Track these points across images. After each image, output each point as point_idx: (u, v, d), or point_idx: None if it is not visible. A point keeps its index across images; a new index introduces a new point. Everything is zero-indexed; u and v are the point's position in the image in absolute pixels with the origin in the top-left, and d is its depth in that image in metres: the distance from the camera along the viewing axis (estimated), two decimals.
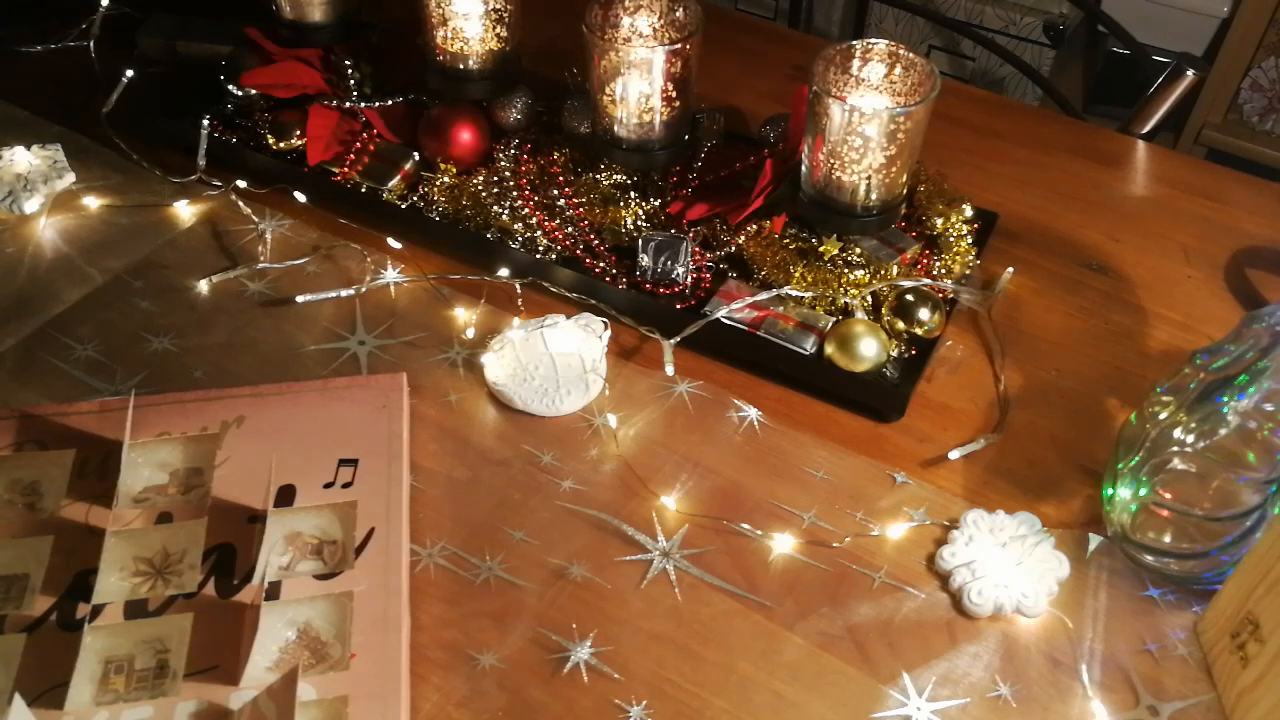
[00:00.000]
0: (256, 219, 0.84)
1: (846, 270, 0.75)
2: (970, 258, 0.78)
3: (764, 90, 1.00)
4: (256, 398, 0.68)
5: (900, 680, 0.58)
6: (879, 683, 0.58)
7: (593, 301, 0.77)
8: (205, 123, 0.87)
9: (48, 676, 0.55)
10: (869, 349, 0.70)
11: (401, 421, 0.67)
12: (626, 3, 0.78)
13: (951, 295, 0.76)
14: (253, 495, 0.63)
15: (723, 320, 0.74)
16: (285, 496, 0.63)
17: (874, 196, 0.73)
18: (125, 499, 0.63)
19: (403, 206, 0.84)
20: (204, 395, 0.68)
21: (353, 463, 0.65)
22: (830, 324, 0.73)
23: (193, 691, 0.55)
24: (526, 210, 0.81)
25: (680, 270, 0.77)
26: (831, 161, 0.72)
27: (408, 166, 0.85)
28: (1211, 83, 1.75)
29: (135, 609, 0.58)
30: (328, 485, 0.64)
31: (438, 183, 0.83)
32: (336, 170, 0.85)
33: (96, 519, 0.62)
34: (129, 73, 0.92)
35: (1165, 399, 0.62)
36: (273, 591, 0.59)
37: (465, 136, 0.84)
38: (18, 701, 0.50)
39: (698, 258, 0.78)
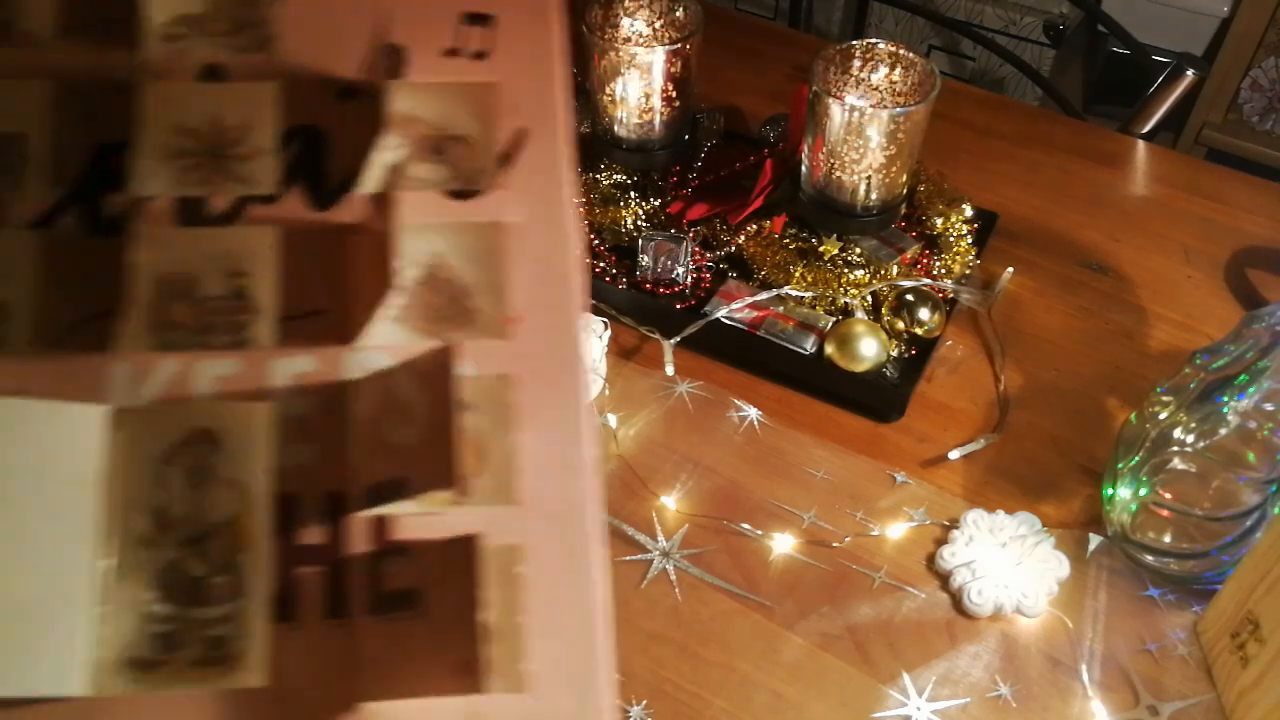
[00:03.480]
0: None
1: (846, 270, 0.75)
2: (970, 258, 0.78)
3: (764, 90, 1.00)
4: None
5: (900, 680, 0.58)
6: (879, 683, 0.58)
7: (593, 301, 0.77)
8: None
9: (74, 302, 0.39)
10: (869, 349, 0.70)
11: None
12: (626, 3, 0.78)
13: (951, 295, 0.76)
14: (341, 56, 0.43)
15: (723, 320, 0.74)
16: (388, 63, 0.43)
17: (874, 196, 0.73)
18: (153, 35, 0.42)
19: None
20: None
21: (485, 20, 0.44)
22: (830, 324, 0.73)
23: (292, 344, 0.39)
24: None
25: (680, 270, 0.77)
26: (831, 161, 0.72)
27: None
28: (1211, 83, 1.75)
29: (190, 211, 0.40)
30: (450, 53, 0.43)
31: None
32: None
33: (113, 63, 0.42)
34: None
35: (1165, 399, 0.62)
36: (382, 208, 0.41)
37: None
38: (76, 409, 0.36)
39: (698, 258, 0.78)
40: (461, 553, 0.36)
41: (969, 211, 0.80)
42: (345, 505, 0.38)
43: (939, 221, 0.79)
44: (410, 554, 0.38)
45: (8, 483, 0.34)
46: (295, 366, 0.39)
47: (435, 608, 0.37)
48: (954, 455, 0.69)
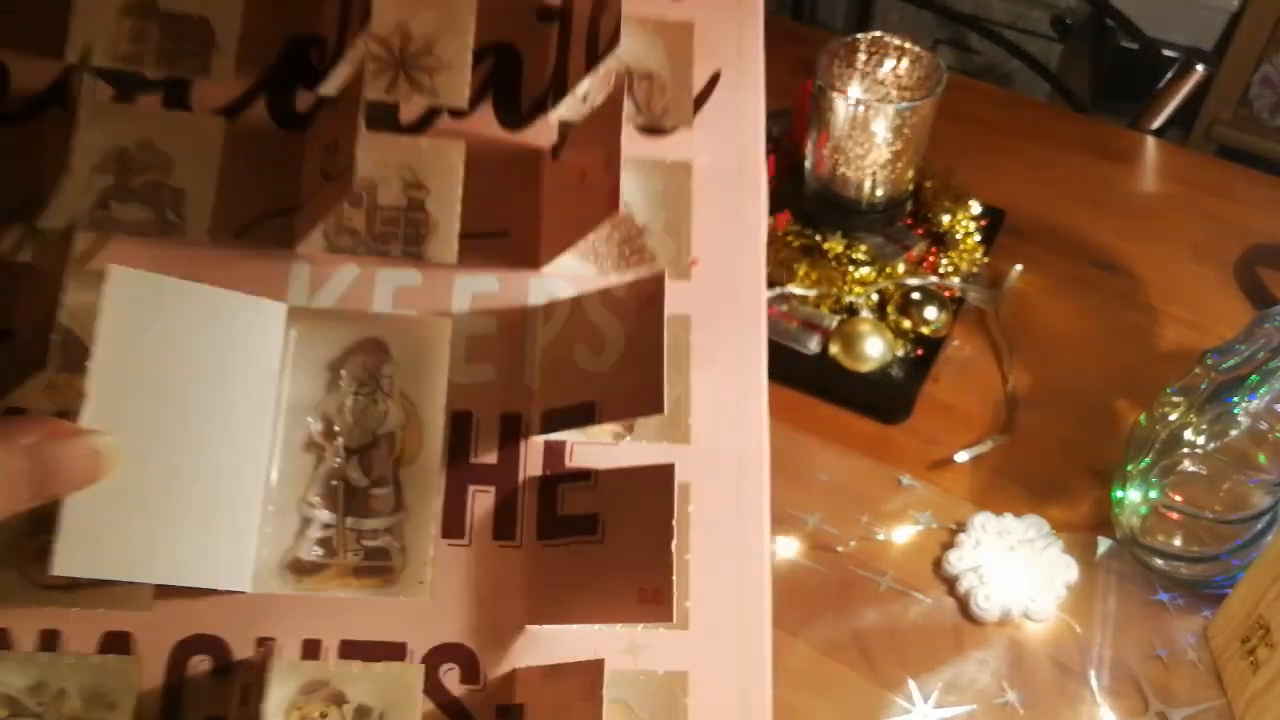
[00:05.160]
0: None
1: (851, 268, 0.74)
2: (977, 255, 0.77)
3: (767, 84, 0.99)
4: None
5: (906, 686, 0.57)
6: (885, 689, 0.57)
7: None
8: None
9: (257, 194, 0.38)
10: (874, 348, 0.70)
11: None
12: None
13: (958, 294, 0.75)
14: None
15: None
16: None
17: (879, 193, 0.72)
18: None
19: None
20: None
21: None
22: (835, 323, 0.72)
23: (472, 260, 0.38)
24: None
25: None
26: (836, 157, 0.71)
27: None
28: (1221, 78, 1.74)
29: (380, 116, 0.39)
30: None
31: None
32: None
33: None
34: None
35: (1175, 399, 0.61)
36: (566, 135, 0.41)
37: None
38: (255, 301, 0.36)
39: None
40: (648, 481, 0.35)
41: (976, 208, 0.79)
42: (521, 428, 0.38)
43: (946, 218, 0.78)
44: (590, 480, 0.38)
45: (206, 371, 0.34)
46: (477, 285, 0.38)
47: (615, 535, 0.36)
48: (961, 457, 0.68)
